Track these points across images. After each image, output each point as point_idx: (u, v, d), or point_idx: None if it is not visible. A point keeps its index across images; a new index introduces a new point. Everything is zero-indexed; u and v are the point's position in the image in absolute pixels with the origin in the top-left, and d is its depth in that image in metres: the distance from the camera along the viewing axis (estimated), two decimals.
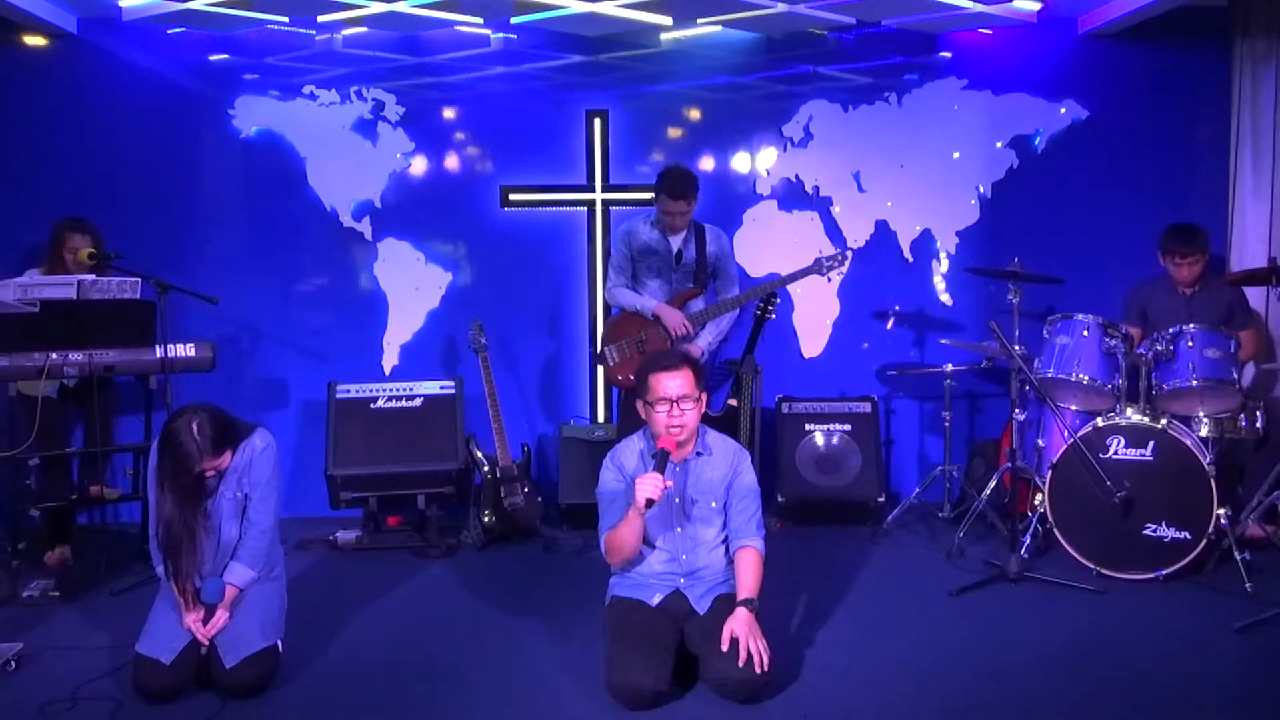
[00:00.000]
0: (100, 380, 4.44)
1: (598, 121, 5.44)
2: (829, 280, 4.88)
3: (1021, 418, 4.72)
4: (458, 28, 5.32)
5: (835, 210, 5.56)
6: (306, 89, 5.41)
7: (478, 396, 5.06)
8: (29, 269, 4.67)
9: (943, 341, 5.33)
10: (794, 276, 4.79)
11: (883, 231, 5.58)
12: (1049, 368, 4.51)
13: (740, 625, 3.15)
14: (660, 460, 3.23)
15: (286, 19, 5.22)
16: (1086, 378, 4.43)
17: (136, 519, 4.66)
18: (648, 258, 4.67)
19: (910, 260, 5.59)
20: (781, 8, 5.01)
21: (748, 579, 3.28)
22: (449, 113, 5.51)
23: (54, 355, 4.19)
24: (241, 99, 5.39)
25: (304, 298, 5.53)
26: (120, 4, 5.02)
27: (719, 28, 5.35)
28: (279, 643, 3.36)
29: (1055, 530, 4.35)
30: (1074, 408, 4.65)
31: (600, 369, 5.25)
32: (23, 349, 4.15)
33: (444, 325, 5.53)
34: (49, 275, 4.44)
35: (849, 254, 4.73)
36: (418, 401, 5.10)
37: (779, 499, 5.11)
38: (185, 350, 4.43)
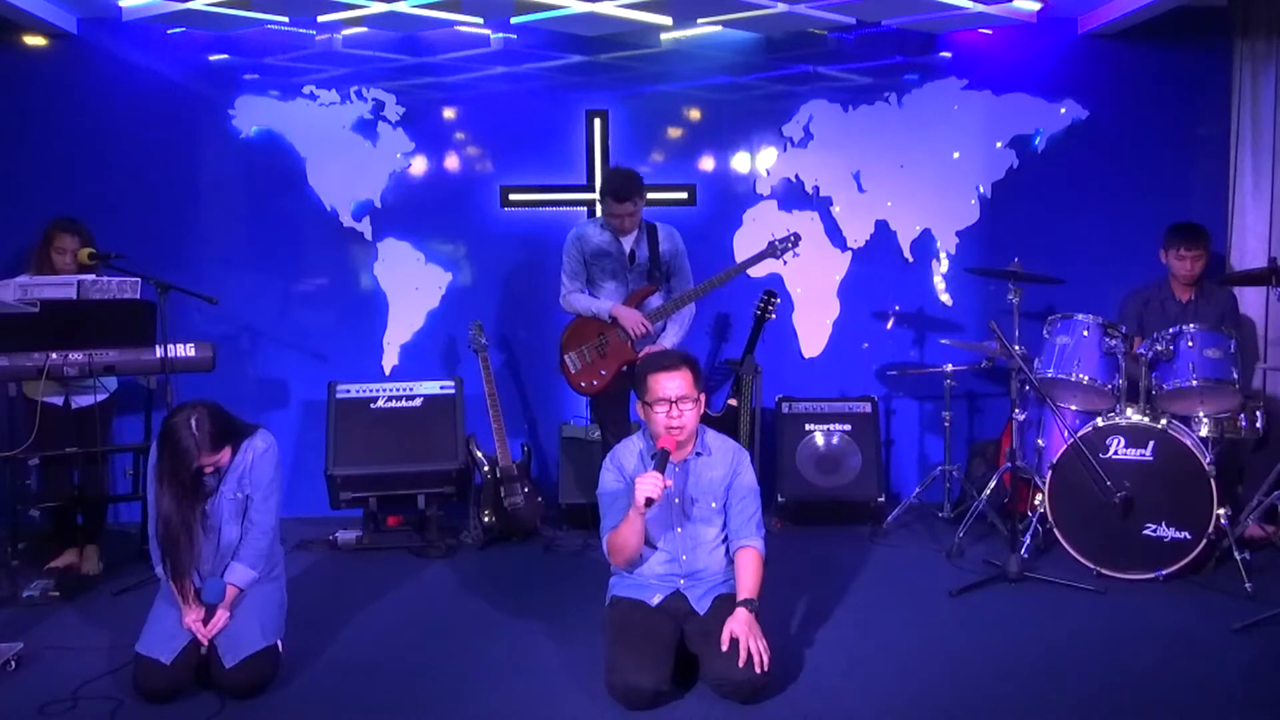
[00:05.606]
0: (103, 409, 4.50)
1: (598, 121, 5.44)
2: (784, 263, 4.88)
3: (1021, 418, 4.72)
4: (458, 28, 5.31)
5: (835, 210, 5.56)
6: (306, 89, 5.40)
7: (478, 396, 5.06)
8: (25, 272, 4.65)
9: (943, 341, 5.33)
10: (749, 262, 4.71)
11: (883, 231, 5.58)
12: (1049, 368, 4.51)
13: (740, 625, 3.15)
14: (660, 460, 3.23)
15: (286, 19, 5.21)
16: (1086, 378, 4.43)
17: (136, 519, 4.67)
18: (601, 260, 4.60)
19: (910, 260, 5.59)
20: (781, 8, 5.01)
21: (748, 579, 3.28)
22: (449, 113, 5.51)
23: (54, 355, 4.19)
24: (241, 99, 5.39)
25: (304, 298, 5.53)
26: (120, 4, 5.02)
27: (719, 28, 5.34)
28: (279, 643, 3.37)
29: (1055, 530, 4.35)
30: (1074, 408, 4.65)
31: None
32: (23, 349, 4.15)
33: (444, 325, 5.53)
34: (38, 276, 4.41)
35: (800, 235, 4.70)
36: (418, 401, 5.09)
37: (779, 499, 5.11)
38: (185, 350, 4.42)
